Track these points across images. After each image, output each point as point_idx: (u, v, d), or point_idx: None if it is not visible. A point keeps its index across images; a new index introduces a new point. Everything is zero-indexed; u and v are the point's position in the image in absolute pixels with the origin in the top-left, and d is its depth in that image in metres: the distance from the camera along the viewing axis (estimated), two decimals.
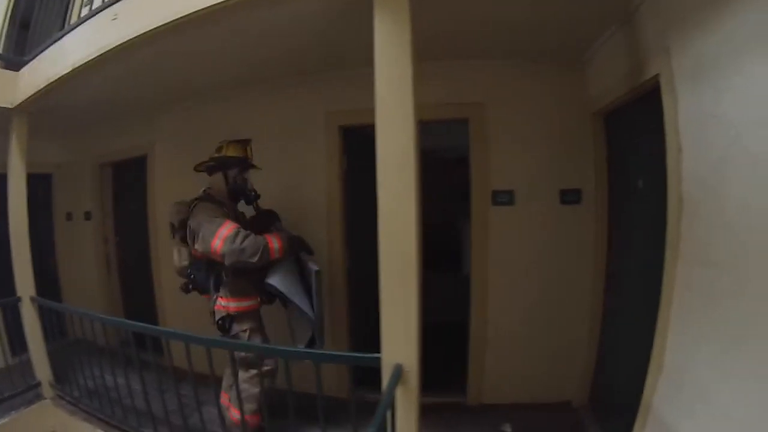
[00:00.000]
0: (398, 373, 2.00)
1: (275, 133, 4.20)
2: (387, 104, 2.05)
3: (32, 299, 4.24)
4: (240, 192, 3.34)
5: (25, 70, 4.10)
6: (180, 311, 4.77)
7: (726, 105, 1.85)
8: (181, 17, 2.49)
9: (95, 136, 5.71)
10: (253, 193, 3.40)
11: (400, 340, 2.05)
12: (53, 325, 4.13)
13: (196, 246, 3.04)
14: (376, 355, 2.09)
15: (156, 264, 5.18)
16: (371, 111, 2.10)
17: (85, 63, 3.15)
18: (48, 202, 6.26)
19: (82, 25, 3.22)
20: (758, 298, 1.66)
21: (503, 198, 3.71)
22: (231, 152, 3.26)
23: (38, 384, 4.27)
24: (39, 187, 5.89)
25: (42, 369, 4.27)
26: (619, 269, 3.33)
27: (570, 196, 3.64)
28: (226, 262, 2.90)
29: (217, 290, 3.18)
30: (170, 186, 4.85)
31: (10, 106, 4.20)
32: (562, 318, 3.69)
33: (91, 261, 5.98)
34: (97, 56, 3.04)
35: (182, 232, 3.22)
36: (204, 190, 3.29)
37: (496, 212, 3.72)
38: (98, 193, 5.96)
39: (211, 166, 3.28)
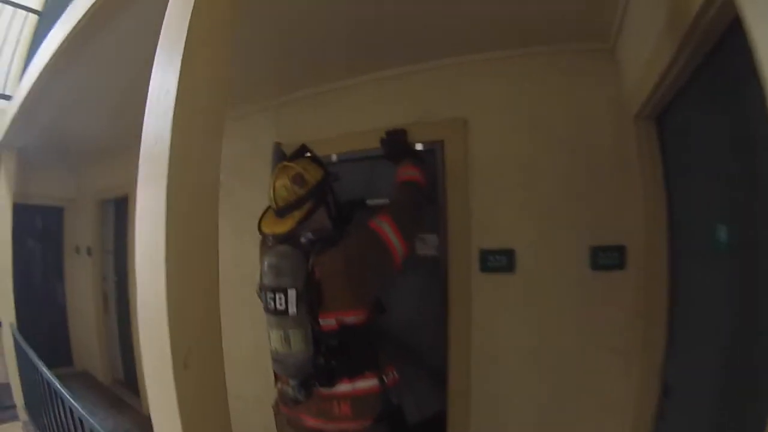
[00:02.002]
0: None
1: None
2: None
3: (11, 325, 4.16)
4: (347, 215, 2.14)
5: (8, 105, 3.95)
6: None
7: None
8: None
9: (99, 171, 5.32)
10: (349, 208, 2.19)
11: None
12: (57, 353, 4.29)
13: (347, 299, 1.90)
14: None
15: (133, 309, 4.60)
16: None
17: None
18: (59, 234, 6.09)
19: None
20: None
21: (498, 261, 2.23)
22: (316, 175, 2.01)
23: (14, 406, 4.23)
24: (51, 219, 5.98)
25: (17, 393, 4.16)
26: (681, 381, 1.77)
27: (607, 258, 2.07)
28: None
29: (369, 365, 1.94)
30: None
31: None
32: None
33: (91, 296, 5.59)
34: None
35: (310, 296, 1.87)
36: (313, 231, 1.99)
37: (487, 282, 2.24)
38: (98, 229, 5.60)
39: (313, 208, 1.99)
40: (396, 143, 2.29)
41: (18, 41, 4.46)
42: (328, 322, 1.85)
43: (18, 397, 4.14)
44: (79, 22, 2.21)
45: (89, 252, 5.54)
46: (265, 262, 1.88)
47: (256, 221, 2.06)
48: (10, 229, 4.35)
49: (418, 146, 2.34)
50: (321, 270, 1.84)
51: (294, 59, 2.48)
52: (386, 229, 1.88)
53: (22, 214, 5.10)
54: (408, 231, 1.94)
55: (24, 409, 4.05)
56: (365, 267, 1.86)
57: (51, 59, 2.59)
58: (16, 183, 4.80)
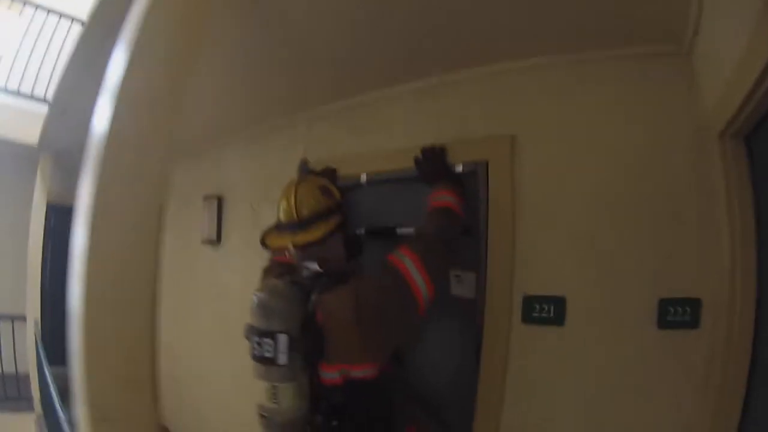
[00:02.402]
0: None
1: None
2: None
3: (35, 321, 4.41)
4: (358, 245, 1.82)
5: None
6: None
7: None
8: None
9: None
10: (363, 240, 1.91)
11: None
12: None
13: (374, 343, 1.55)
14: None
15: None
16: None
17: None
18: None
19: None
20: None
21: (545, 311, 1.82)
22: (338, 194, 1.80)
23: (31, 398, 4.39)
24: None
25: (35, 386, 4.30)
26: None
27: (678, 314, 1.65)
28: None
29: (379, 426, 1.65)
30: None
31: (35, 145, 4.33)
32: None
33: None
34: None
35: (308, 344, 1.53)
36: (320, 262, 1.66)
37: (530, 335, 1.85)
38: None
39: (340, 224, 1.72)
40: (433, 162, 2.00)
41: (61, 50, 4.45)
42: (330, 375, 1.53)
43: (35, 390, 4.32)
44: (93, 16, 2.06)
45: None
46: (254, 299, 1.55)
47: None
48: (42, 230, 4.52)
49: (458, 167, 2.02)
50: (325, 313, 1.52)
51: (323, 68, 2.26)
52: (409, 265, 1.54)
53: (65, 216, 5.12)
54: (436, 269, 1.60)
55: (40, 403, 4.21)
56: (380, 313, 1.52)
57: (72, 57, 2.49)
58: (62, 185, 4.98)
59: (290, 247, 1.66)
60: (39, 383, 4.00)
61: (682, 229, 1.67)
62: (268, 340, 1.47)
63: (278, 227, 1.76)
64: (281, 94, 2.61)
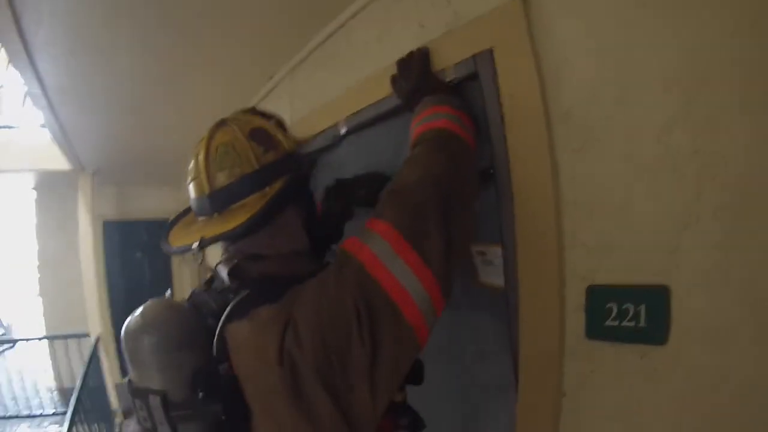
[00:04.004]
0: None
1: None
2: None
3: (97, 338, 4.31)
4: (338, 222, 1.24)
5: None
6: None
7: None
8: None
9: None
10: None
11: None
12: None
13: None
14: None
15: None
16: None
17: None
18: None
19: None
20: None
21: (626, 316, 0.83)
22: (289, 144, 0.93)
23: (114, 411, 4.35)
24: (158, 231, 5.56)
25: (114, 398, 4.31)
26: None
27: None
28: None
29: None
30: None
31: (69, 168, 4.27)
32: None
33: None
34: None
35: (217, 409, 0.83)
36: (234, 271, 0.87)
37: (601, 361, 0.89)
38: None
39: (276, 201, 0.85)
40: (414, 75, 1.16)
41: None
42: None
43: (115, 401, 4.31)
44: None
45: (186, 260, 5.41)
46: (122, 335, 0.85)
47: None
48: (92, 247, 4.46)
49: (449, 77, 1.15)
50: (234, 355, 0.79)
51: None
52: (380, 251, 0.76)
53: (127, 229, 5.56)
54: (440, 245, 0.77)
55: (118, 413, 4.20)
56: (329, 361, 0.72)
57: None
58: (115, 203, 5.35)
59: (195, 246, 0.85)
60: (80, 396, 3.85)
61: None
62: (139, 403, 0.81)
63: (192, 210, 0.98)
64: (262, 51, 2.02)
